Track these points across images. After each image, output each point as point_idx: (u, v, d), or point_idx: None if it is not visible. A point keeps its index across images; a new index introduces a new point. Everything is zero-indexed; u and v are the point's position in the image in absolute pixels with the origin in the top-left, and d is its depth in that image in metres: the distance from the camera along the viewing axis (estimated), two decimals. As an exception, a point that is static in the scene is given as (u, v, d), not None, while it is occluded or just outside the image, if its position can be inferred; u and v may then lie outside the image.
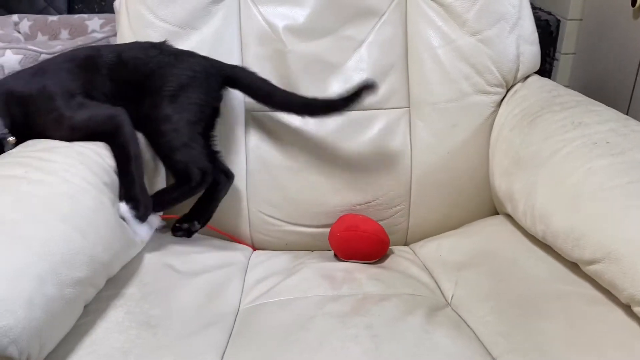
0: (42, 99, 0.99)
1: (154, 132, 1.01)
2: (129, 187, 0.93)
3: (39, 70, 1.04)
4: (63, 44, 1.56)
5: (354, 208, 1.20)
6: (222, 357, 0.80)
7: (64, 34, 1.83)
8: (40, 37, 1.82)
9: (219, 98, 1.13)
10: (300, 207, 1.20)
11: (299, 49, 1.20)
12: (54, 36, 1.82)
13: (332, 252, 1.18)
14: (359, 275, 1.03)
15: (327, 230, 1.19)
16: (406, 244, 1.23)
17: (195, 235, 1.15)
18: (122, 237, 0.88)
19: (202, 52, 1.18)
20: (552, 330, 0.78)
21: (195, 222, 1.12)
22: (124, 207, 0.92)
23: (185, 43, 1.18)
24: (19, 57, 1.47)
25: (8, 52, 1.46)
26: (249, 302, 0.97)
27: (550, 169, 0.95)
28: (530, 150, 1.01)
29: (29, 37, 1.81)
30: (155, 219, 1.01)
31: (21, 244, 0.72)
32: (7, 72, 1.46)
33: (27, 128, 0.98)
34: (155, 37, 1.16)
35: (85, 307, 0.80)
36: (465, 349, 0.80)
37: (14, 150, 0.92)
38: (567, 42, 1.74)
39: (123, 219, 0.92)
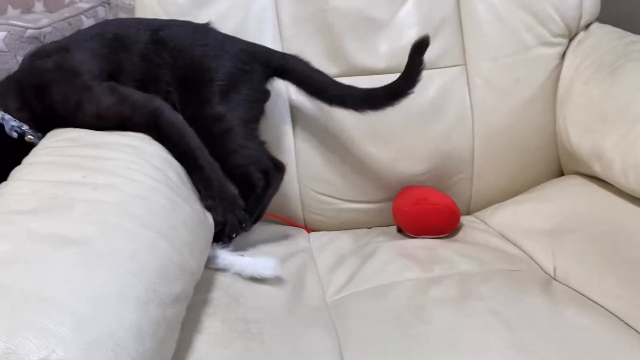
0: (62, 83, 0.84)
1: (205, 135, 0.86)
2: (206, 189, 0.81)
3: (58, 52, 0.88)
4: (49, 17, 1.37)
5: (413, 179, 1.10)
6: (342, 362, 0.70)
7: (38, 6, 1.62)
8: (11, 10, 1.60)
9: (267, 94, 1.00)
10: (355, 182, 1.10)
11: (342, 5, 1.08)
12: (27, 9, 1.61)
13: (392, 228, 1.09)
14: (443, 252, 0.95)
15: (385, 205, 1.10)
16: (468, 213, 1.15)
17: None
18: (200, 236, 0.76)
19: (233, 16, 1.06)
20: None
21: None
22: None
23: (215, 5, 1.04)
24: (3, 34, 1.27)
25: (-10, 29, 1.26)
26: (336, 293, 0.88)
27: (651, 122, 0.87)
28: (619, 104, 0.93)
29: (-1, 11, 1.60)
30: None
31: (109, 262, 0.59)
32: (-10, 52, 1.27)
33: (49, 120, 0.83)
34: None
35: (178, 321, 0.68)
36: (609, 328, 0.72)
37: (53, 144, 0.78)
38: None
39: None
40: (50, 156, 0.74)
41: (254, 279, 0.82)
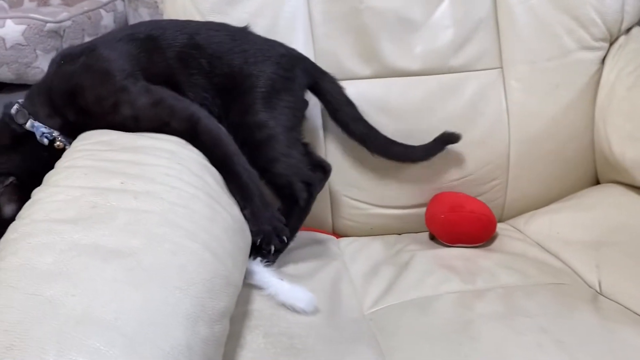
0: (95, 85, 0.80)
1: (246, 143, 0.83)
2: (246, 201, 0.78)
3: (85, 54, 0.85)
4: (68, 11, 1.33)
5: (446, 185, 1.07)
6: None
7: (55, -2, 1.59)
8: (28, 3, 1.57)
9: (305, 104, 0.96)
10: (386, 187, 1.06)
11: (376, 5, 1.04)
12: (44, 1, 1.58)
13: (422, 234, 1.06)
14: (484, 262, 0.92)
15: (416, 211, 1.07)
16: (501, 220, 1.12)
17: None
18: (241, 246, 0.73)
19: (266, 13, 1.03)
20: None
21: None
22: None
23: (248, 1, 1.02)
24: (22, 27, 1.24)
25: (9, 22, 1.23)
26: (373, 305, 0.84)
27: (701, 132, 0.84)
28: (667, 112, 0.90)
29: (15, 4, 1.56)
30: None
31: (157, 277, 0.56)
32: (8, 45, 1.24)
33: (80, 124, 0.80)
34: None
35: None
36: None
37: (87, 147, 0.74)
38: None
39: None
40: (85, 160, 0.70)
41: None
